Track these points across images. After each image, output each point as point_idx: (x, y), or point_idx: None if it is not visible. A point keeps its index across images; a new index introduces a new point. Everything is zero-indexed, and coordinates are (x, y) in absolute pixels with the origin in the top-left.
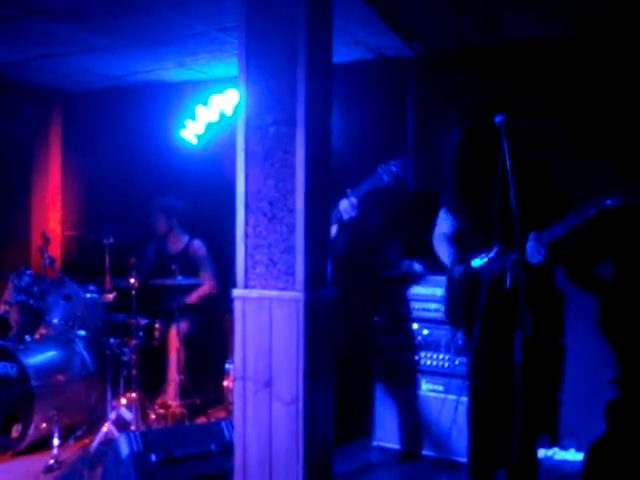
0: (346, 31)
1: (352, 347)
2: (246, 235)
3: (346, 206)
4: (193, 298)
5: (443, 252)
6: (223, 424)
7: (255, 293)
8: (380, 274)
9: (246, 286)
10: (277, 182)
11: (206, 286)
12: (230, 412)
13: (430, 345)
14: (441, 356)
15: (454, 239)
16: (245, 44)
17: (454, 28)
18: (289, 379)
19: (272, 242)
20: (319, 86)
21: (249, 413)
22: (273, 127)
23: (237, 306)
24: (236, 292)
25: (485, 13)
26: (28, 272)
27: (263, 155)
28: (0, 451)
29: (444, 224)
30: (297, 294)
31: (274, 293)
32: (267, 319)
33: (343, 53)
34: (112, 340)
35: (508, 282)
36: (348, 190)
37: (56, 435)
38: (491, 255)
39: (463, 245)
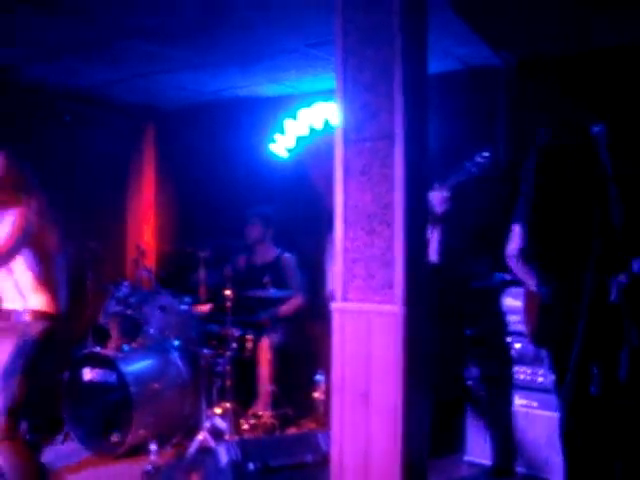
0: (436, 43)
1: (443, 360)
2: (345, 249)
3: (438, 198)
4: (284, 310)
5: (522, 270)
6: (319, 435)
7: (353, 306)
8: (473, 285)
9: (344, 299)
10: (375, 196)
11: (297, 299)
12: (321, 423)
13: (524, 359)
14: (535, 371)
15: (531, 256)
16: (342, 59)
17: (545, 36)
18: (387, 392)
19: (370, 256)
20: (415, 100)
21: (346, 425)
22: (370, 141)
23: (335, 319)
24: (335, 305)
25: (577, 21)
26: (126, 283)
27: (360, 169)
28: (101, 454)
29: (519, 239)
30: (396, 307)
31: (372, 306)
32: (365, 332)
33: (432, 65)
34: (206, 351)
35: (614, 295)
36: (436, 184)
37: (153, 441)
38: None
39: (542, 262)
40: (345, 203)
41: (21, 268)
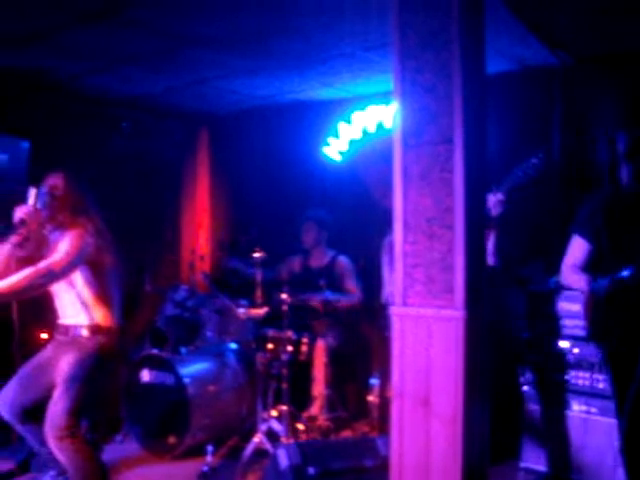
0: (491, 43)
1: (499, 365)
2: (404, 253)
3: (493, 201)
4: (341, 303)
5: (576, 279)
6: (378, 440)
7: (413, 311)
8: (529, 289)
9: (404, 304)
10: (435, 200)
11: (353, 299)
12: (375, 427)
13: (582, 364)
14: (594, 376)
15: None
16: (399, 62)
17: (604, 34)
18: (448, 397)
19: (430, 260)
20: (474, 103)
21: (406, 430)
22: (430, 145)
23: (395, 324)
24: (394, 310)
25: (636, 18)
26: (183, 287)
27: (420, 173)
28: (158, 454)
29: (577, 251)
30: (456, 312)
31: (432, 311)
32: (425, 337)
33: (488, 66)
34: (262, 354)
35: None
36: (493, 186)
37: (210, 443)
38: None
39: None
40: (404, 207)
41: (80, 283)
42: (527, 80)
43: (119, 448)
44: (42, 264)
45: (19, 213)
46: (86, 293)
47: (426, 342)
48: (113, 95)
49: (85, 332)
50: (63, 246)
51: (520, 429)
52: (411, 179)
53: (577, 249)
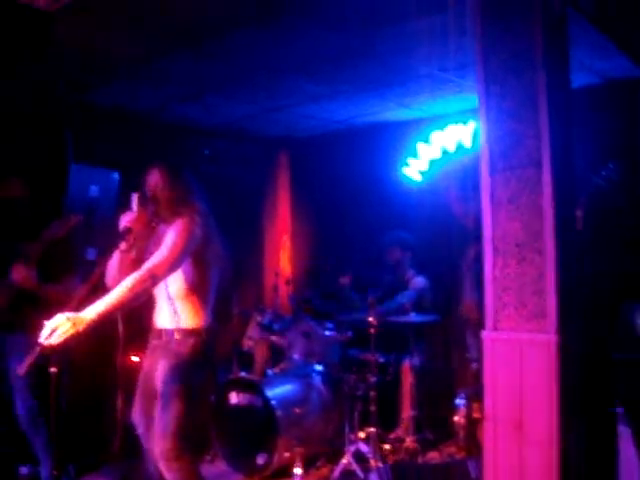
0: (573, 59)
1: (592, 387)
2: (494, 278)
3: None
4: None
5: None
6: (469, 463)
7: (504, 335)
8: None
9: (495, 328)
10: (524, 224)
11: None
12: (461, 448)
13: None
14: None
15: None
16: (484, 88)
17: None
18: (542, 422)
19: (521, 284)
20: (561, 125)
21: (500, 455)
22: (518, 169)
23: (486, 347)
24: (486, 334)
25: None
26: (269, 310)
27: (508, 197)
28: (247, 475)
29: None
30: (549, 336)
31: (524, 335)
32: (517, 361)
33: None
34: (348, 375)
35: None
36: None
37: (297, 464)
38: None
39: None
40: (493, 232)
41: (178, 277)
42: (609, 93)
43: (208, 468)
44: (143, 269)
45: (123, 222)
46: (182, 283)
47: (518, 366)
48: (192, 124)
49: (177, 335)
50: (167, 242)
51: (615, 452)
52: (500, 204)
53: None
